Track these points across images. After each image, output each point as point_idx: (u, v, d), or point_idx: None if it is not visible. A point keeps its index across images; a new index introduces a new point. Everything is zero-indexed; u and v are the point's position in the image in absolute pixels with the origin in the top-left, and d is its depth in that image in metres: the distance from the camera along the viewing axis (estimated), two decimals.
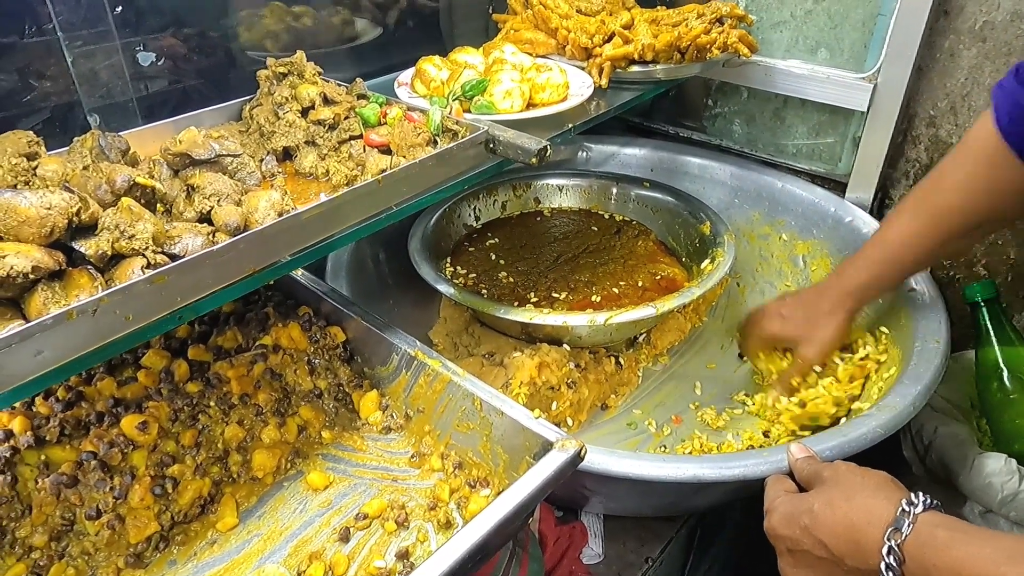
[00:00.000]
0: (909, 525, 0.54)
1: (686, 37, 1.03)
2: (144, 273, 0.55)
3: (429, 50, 1.04)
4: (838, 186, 1.25)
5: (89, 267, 0.55)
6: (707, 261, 1.11)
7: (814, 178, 1.28)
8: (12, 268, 0.50)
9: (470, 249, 1.24)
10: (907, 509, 0.56)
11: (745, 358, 1.12)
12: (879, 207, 1.24)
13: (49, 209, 0.53)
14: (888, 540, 0.54)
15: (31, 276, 0.51)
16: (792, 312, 1.00)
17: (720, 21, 1.11)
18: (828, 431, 0.80)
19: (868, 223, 1.15)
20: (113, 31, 0.84)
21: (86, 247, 0.55)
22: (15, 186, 0.62)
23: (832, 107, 1.20)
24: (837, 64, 1.18)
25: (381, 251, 1.21)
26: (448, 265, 1.20)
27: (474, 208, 1.31)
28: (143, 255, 0.56)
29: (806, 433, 0.92)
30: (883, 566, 0.54)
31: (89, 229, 0.56)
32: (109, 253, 0.55)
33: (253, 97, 0.90)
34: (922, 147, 1.16)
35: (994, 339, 0.98)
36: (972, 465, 0.86)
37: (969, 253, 1.14)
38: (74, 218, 0.55)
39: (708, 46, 1.05)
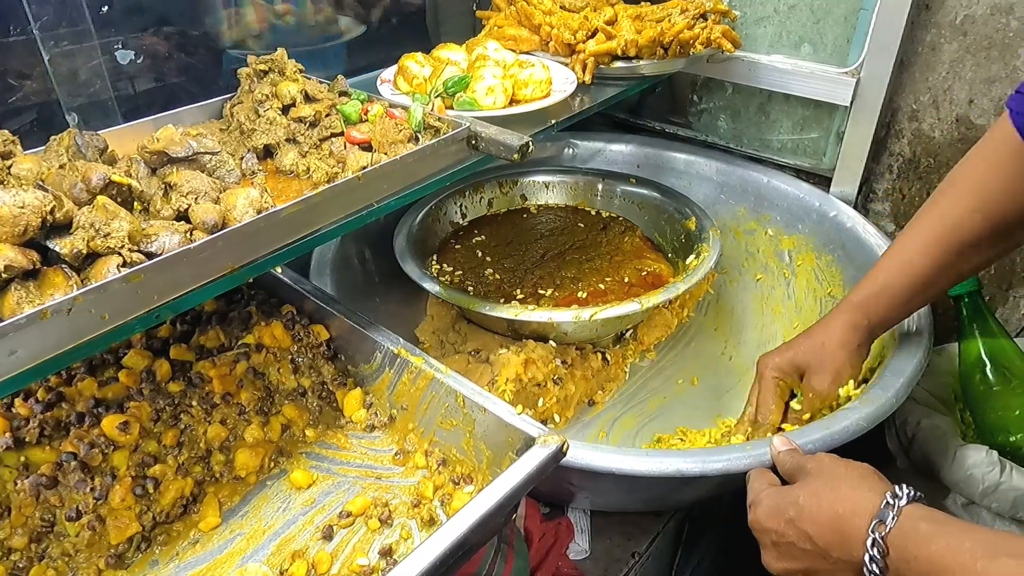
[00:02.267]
0: (893, 517, 0.54)
1: (669, 33, 1.03)
2: (120, 272, 0.54)
3: (413, 48, 1.04)
4: (823, 181, 1.25)
5: (64, 266, 0.54)
6: (692, 257, 1.11)
7: (799, 173, 1.29)
8: None
9: (456, 246, 1.24)
10: (891, 501, 0.56)
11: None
12: (864, 201, 1.25)
13: (22, 208, 0.53)
14: (872, 532, 0.54)
15: (4, 275, 0.51)
16: (799, 343, 0.89)
17: (704, 16, 1.11)
18: (811, 424, 0.81)
19: (852, 217, 1.16)
20: (92, 30, 0.83)
21: (61, 246, 0.54)
22: None
23: (816, 102, 1.21)
24: (820, 59, 1.19)
25: (367, 248, 1.21)
26: (434, 262, 1.19)
27: (460, 205, 1.31)
28: (119, 253, 0.56)
29: (788, 426, 0.92)
30: (867, 557, 0.54)
31: (64, 228, 0.56)
32: (84, 252, 0.55)
33: (234, 95, 0.89)
34: (905, 141, 1.17)
35: (976, 332, 0.99)
36: (954, 457, 0.86)
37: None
38: (48, 217, 0.54)
39: (691, 41, 1.05)
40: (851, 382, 0.86)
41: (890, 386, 0.83)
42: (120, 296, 0.54)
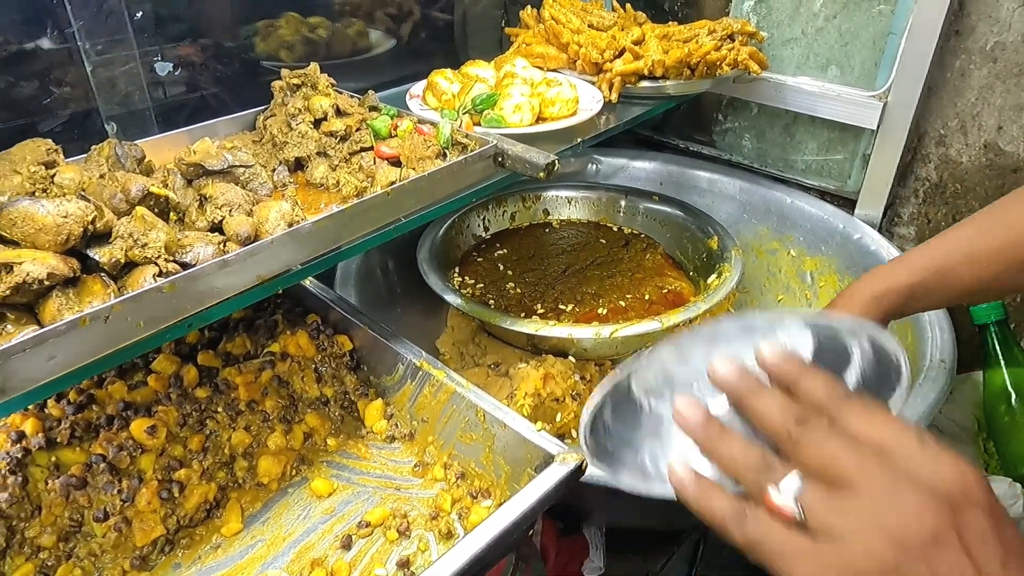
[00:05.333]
0: None
1: (696, 54, 1.04)
2: (156, 281, 0.56)
3: (442, 62, 1.05)
4: (847, 203, 1.25)
5: (103, 274, 0.56)
6: (714, 276, 1.11)
7: (823, 194, 1.28)
8: (28, 275, 0.51)
9: (478, 259, 1.25)
10: None
11: None
12: (888, 225, 1.24)
13: (65, 217, 0.55)
14: None
15: (46, 283, 0.52)
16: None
17: (731, 37, 1.12)
18: None
19: (876, 240, 1.15)
20: (132, 40, 0.86)
21: (100, 255, 0.56)
22: (33, 193, 0.63)
23: (842, 124, 1.21)
24: (847, 82, 1.19)
25: (390, 260, 1.22)
26: (456, 275, 1.20)
27: (483, 218, 1.32)
28: (155, 263, 0.57)
29: None
30: None
31: (103, 237, 0.58)
32: (122, 261, 0.57)
33: (267, 107, 0.91)
34: (932, 166, 1.16)
35: (1002, 361, 0.98)
36: None
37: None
38: (89, 226, 0.56)
39: (718, 63, 1.06)
40: None
41: (913, 413, 0.83)
42: (155, 305, 0.56)
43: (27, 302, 0.53)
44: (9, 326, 0.52)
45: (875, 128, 1.14)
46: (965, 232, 0.76)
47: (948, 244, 0.77)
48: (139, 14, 0.88)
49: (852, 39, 1.17)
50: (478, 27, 1.39)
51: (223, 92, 1.02)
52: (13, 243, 0.56)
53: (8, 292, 0.51)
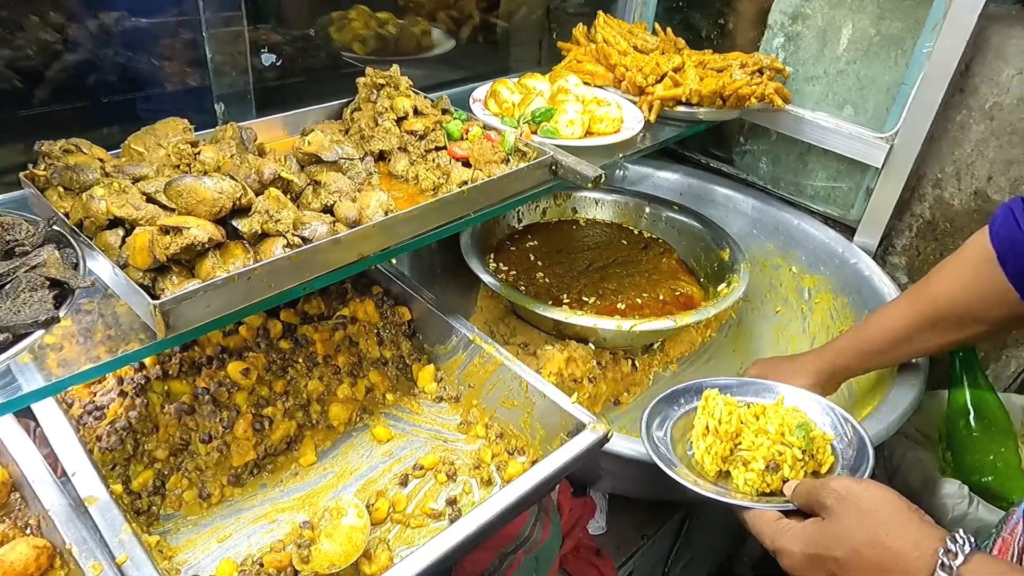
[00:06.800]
0: None
1: (729, 87, 1.17)
2: (285, 252, 0.69)
3: (493, 65, 1.16)
4: (848, 230, 1.39)
5: (243, 241, 0.69)
6: (723, 285, 1.25)
7: (827, 220, 1.42)
8: (195, 238, 0.64)
9: (512, 248, 1.38)
10: (947, 562, 0.53)
11: None
12: (883, 253, 1.38)
13: (221, 193, 0.67)
14: None
15: (206, 245, 0.65)
16: (766, 366, 1.07)
17: (760, 71, 1.25)
18: None
19: (870, 267, 1.29)
20: (244, 32, 0.98)
21: (243, 226, 0.69)
22: (177, 167, 0.76)
23: (850, 159, 1.33)
24: (860, 122, 1.31)
25: (435, 244, 1.35)
26: (491, 261, 1.33)
27: (519, 212, 1.45)
28: (284, 236, 0.70)
29: None
30: None
31: (244, 211, 0.70)
32: (259, 232, 0.69)
33: (351, 100, 1.04)
34: (927, 205, 1.30)
35: (965, 383, 1.12)
36: (930, 487, 1.00)
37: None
38: (237, 202, 0.69)
39: (748, 96, 1.19)
40: None
41: (885, 420, 0.97)
42: (283, 270, 0.69)
43: (188, 259, 0.66)
44: (174, 278, 0.65)
45: (880, 166, 1.28)
46: (889, 308, 1.01)
47: (875, 323, 1.00)
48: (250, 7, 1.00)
49: (869, 84, 1.30)
50: (525, 36, 1.51)
51: (307, 80, 1.14)
52: (170, 211, 0.69)
53: (178, 251, 0.64)
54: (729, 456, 0.79)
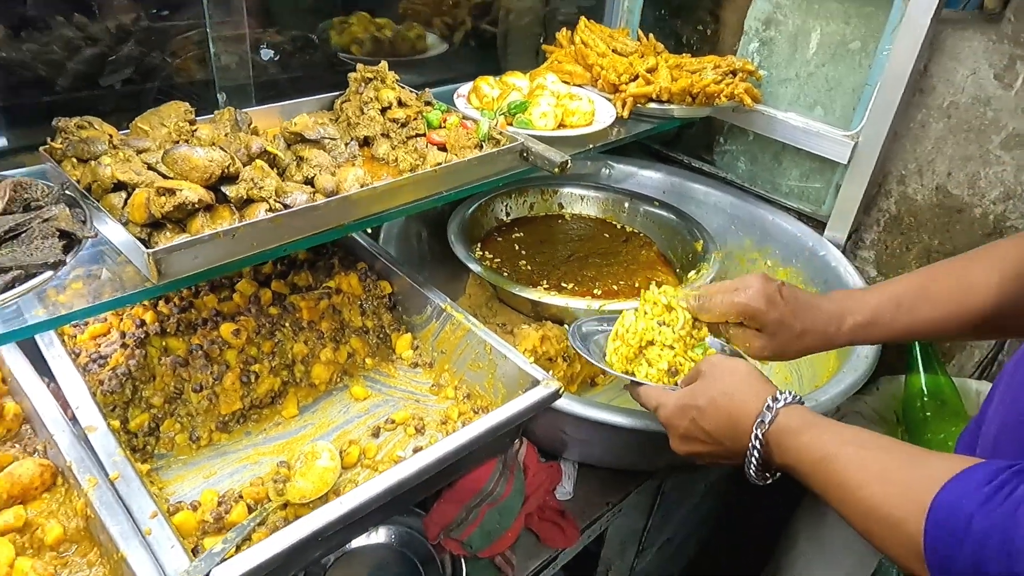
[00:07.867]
0: (771, 419, 0.71)
1: (698, 85, 1.25)
2: (267, 215, 0.78)
3: (486, 68, 1.26)
4: (820, 225, 1.45)
5: (230, 205, 0.78)
6: (693, 272, 1.32)
7: (800, 215, 1.48)
8: (187, 199, 0.73)
9: (498, 239, 1.47)
10: (771, 405, 0.71)
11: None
12: (853, 248, 1.44)
13: (211, 161, 0.76)
14: (755, 429, 0.71)
15: (196, 205, 0.74)
16: (786, 308, 0.84)
17: (733, 73, 1.32)
18: None
19: (838, 259, 1.35)
20: (246, 31, 1.08)
21: (230, 191, 0.78)
22: (177, 142, 0.85)
23: (821, 157, 1.40)
24: (829, 121, 1.38)
25: (424, 230, 1.44)
26: (478, 250, 1.42)
27: (506, 205, 1.53)
28: (267, 202, 0.79)
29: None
30: (751, 447, 0.72)
31: (232, 178, 0.79)
32: (244, 197, 0.78)
33: (343, 93, 1.13)
34: (892, 200, 1.36)
35: (921, 368, 1.18)
36: None
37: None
38: (226, 170, 0.78)
39: (717, 94, 1.26)
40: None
41: (835, 390, 1.03)
42: (265, 231, 0.78)
43: (180, 218, 0.75)
44: (168, 234, 0.74)
45: (846, 163, 1.34)
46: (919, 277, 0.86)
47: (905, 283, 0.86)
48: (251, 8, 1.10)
49: (836, 85, 1.37)
50: (519, 41, 1.60)
51: (305, 76, 1.24)
52: (168, 178, 0.78)
53: (171, 209, 0.73)
54: (634, 358, 0.90)
